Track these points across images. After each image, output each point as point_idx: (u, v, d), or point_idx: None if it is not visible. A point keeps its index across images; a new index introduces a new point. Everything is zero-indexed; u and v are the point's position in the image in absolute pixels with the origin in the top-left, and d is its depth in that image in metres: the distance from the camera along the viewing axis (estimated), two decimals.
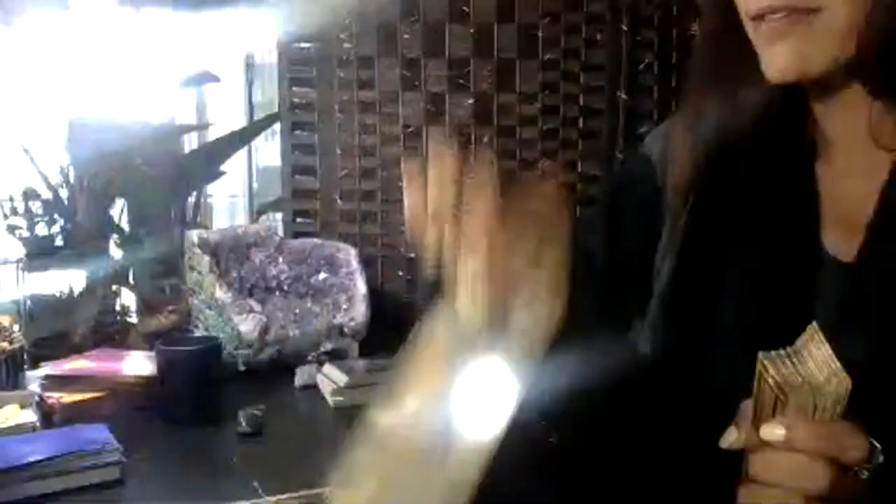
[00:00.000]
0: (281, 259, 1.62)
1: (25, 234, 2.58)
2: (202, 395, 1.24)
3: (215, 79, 2.98)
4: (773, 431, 0.53)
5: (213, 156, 2.91)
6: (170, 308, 1.76)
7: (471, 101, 1.83)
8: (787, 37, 0.60)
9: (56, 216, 2.61)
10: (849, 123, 0.65)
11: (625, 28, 1.76)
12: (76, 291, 2.60)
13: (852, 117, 0.64)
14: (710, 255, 0.70)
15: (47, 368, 1.34)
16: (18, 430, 1.11)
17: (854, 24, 0.58)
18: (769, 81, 0.64)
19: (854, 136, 0.65)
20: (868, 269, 0.63)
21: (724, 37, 0.68)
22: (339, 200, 1.88)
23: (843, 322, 0.63)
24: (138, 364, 1.36)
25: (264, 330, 1.48)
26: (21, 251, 2.62)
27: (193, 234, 1.57)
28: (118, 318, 2.43)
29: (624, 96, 1.79)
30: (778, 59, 0.62)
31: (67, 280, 2.68)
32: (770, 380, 0.53)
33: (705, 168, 0.71)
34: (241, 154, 3.41)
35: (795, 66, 0.61)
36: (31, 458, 0.96)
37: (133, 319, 2.41)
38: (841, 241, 0.65)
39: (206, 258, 1.53)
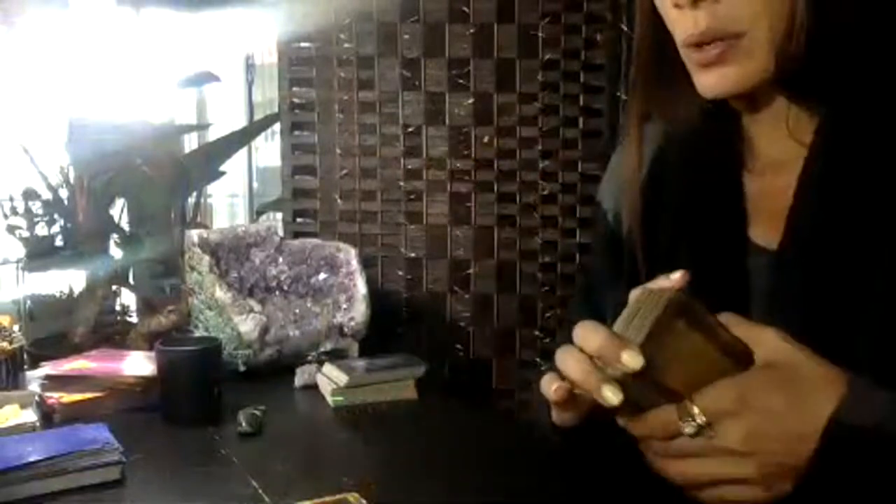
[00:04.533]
0: (281, 259, 1.62)
1: (25, 234, 2.58)
2: (202, 395, 1.24)
3: (215, 79, 2.98)
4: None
5: (213, 156, 2.91)
6: (170, 308, 1.76)
7: (471, 101, 1.83)
8: (717, 65, 0.67)
9: (56, 216, 2.61)
10: (772, 126, 0.72)
11: (625, 28, 1.76)
12: (76, 291, 2.60)
13: (774, 120, 0.71)
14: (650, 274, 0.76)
15: (47, 368, 1.34)
16: (18, 430, 1.11)
17: (773, 43, 0.65)
18: (701, 98, 0.72)
19: (776, 138, 0.72)
20: (790, 254, 0.68)
21: (657, 54, 0.75)
22: (339, 200, 1.88)
23: (773, 307, 0.68)
24: (138, 364, 1.36)
25: (264, 330, 1.48)
26: (21, 251, 2.62)
27: (193, 234, 1.57)
28: (118, 318, 2.43)
29: (624, 96, 1.79)
30: (711, 82, 0.69)
31: (67, 280, 2.68)
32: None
33: (645, 189, 0.79)
34: (241, 154, 3.42)
35: (729, 86, 0.68)
36: (31, 458, 0.96)
37: (133, 319, 2.41)
38: (767, 233, 0.70)
39: (206, 258, 1.53)
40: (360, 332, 1.56)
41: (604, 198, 0.88)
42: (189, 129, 3.65)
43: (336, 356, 1.49)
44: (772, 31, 0.64)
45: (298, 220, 1.91)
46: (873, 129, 0.66)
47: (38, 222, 2.60)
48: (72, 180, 2.64)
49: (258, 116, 3.41)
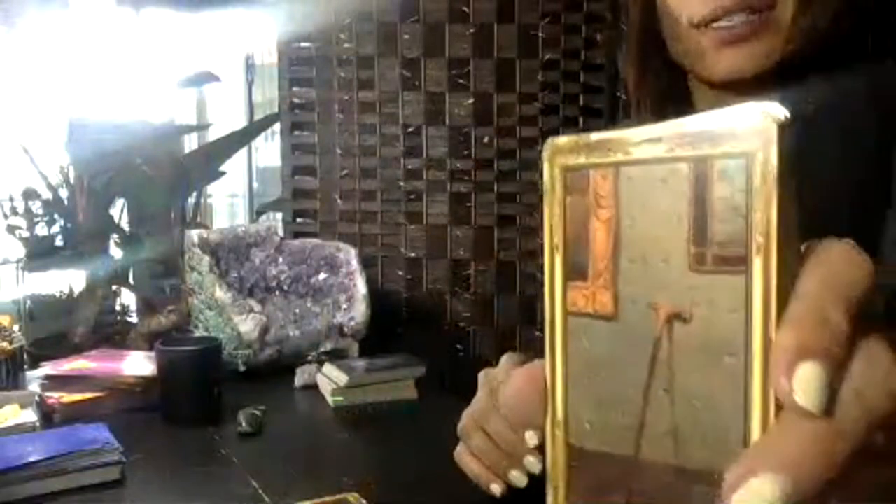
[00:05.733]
0: (281, 259, 1.62)
1: (25, 234, 2.58)
2: (202, 395, 1.24)
3: (215, 79, 2.98)
4: None
5: (213, 156, 2.91)
6: (170, 308, 1.76)
7: (471, 101, 1.83)
8: (745, 40, 0.62)
9: (56, 216, 2.62)
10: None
11: (625, 28, 1.76)
12: (76, 291, 2.60)
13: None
14: None
15: (47, 368, 1.34)
16: (18, 430, 1.11)
17: (796, 20, 0.61)
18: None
19: None
20: None
21: (645, 51, 0.74)
22: (339, 200, 1.88)
23: None
24: (138, 364, 1.36)
25: (264, 330, 1.48)
26: (21, 251, 2.63)
27: (193, 234, 1.57)
28: (118, 318, 2.44)
29: (624, 96, 1.79)
30: (733, 61, 0.64)
31: (67, 280, 2.69)
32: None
33: None
34: (241, 154, 3.42)
35: (750, 66, 0.63)
36: (31, 458, 0.96)
37: (133, 319, 2.41)
38: None
39: (206, 258, 1.53)
40: (360, 332, 1.56)
41: None
42: (189, 129, 3.66)
43: (336, 356, 1.49)
44: (795, 8, 0.61)
45: (298, 220, 1.91)
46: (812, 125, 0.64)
47: (38, 222, 2.60)
48: (72, 180, 2.64)
49: (258, 116, 3.42)
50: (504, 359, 0.76)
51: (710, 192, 0.27)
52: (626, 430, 0.29)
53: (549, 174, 0.31)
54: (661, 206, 0.28)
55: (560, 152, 0.31)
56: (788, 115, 0.26)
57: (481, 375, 0.79)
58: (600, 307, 0.30)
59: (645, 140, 0.28)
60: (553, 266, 0.31)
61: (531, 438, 0.68)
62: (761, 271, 0.26)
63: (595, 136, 0.30)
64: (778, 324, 0.26)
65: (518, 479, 0.69)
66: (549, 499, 0.32)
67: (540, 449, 0.70)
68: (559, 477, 0.32)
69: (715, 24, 0.64)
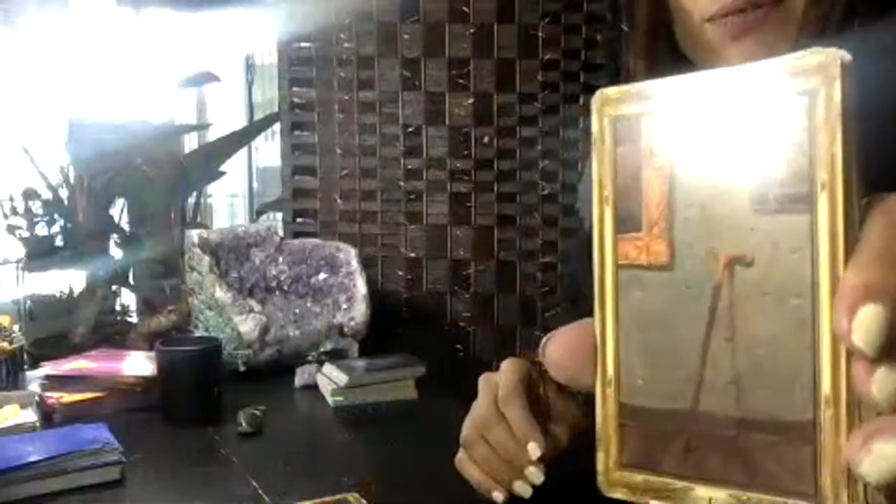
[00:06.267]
0: (281, 259, 1.62)
1: (25, 234, 2.58)
2: (202, 395, 1.24)
3: (215, 79, 2.98)
4: None
5: (213, 156, 2.91)
6: (170, 308, 1.76)
7: (471, 101, 1.83)
8: (756, 32, 0.62)
9: (56, 216, 2.62)
10: None
11: (625, 28, 1.76)
12: (76, 291, 2.60)
13: None
14: None
15: (47, 368, 1.34)
16: (18, 430, 1.11)
17: (807, 13, 0.60)
18: None
19: None
20: None
21: (653, 46, 0.73)
22: (339, 200, 1.88)
23: None
24: (138, 364, 1.36)
25: (264, 330, 1.48)
26: (21, 251, 2.63)
27: (193, 234, 1.57)
28: (118, 318, 2.44)
29: None
30: (742, 55, 0.63)
31: (67, 280, 2.69)
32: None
33: None
34: (241, 154, 3.42)
35: (761, 56, 0.62)
36: (31, 458, 0.96)
37: (133, 319, 2.41)
38: None
39: (206, 258, 1.53)
40: (360, 332, 1.56)
41: (581, 204, 0.87)
42: (189, 129, 3.66)
43: (336, 356, 1.49)
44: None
45: (298, 220, 1.91)
46: None
47: (38, 222, 2.60)
48: (72, 180, 2.64)
49: (258, 116, 3.42)
50: (505, 364, 0.75)
51: (770, 132, 0.26)
52: (683, 384, 0.28)
53: (599, 126, 0.31)
54: (718, 150, 0.27)
55: (610, 103, 0.30)
56: (850, 57, 0.25)
57: (481, 381, 0.79)
58: (654, 257, 0.29)
59: (700, 85, 0.28)
60: (603, 219, 0.31)
61: (534, 450, 0.68)
62: (827, 207, 0.25)
63: (646, 84, 0.29)
64: (846, 261, 0.25)
65: (522, 488, 0.69)
66: (600, 461, 0.31)
67: (542, 460, 0.70)
68: (611, 437, 0.31)
69: (723, 21, 0.63)
